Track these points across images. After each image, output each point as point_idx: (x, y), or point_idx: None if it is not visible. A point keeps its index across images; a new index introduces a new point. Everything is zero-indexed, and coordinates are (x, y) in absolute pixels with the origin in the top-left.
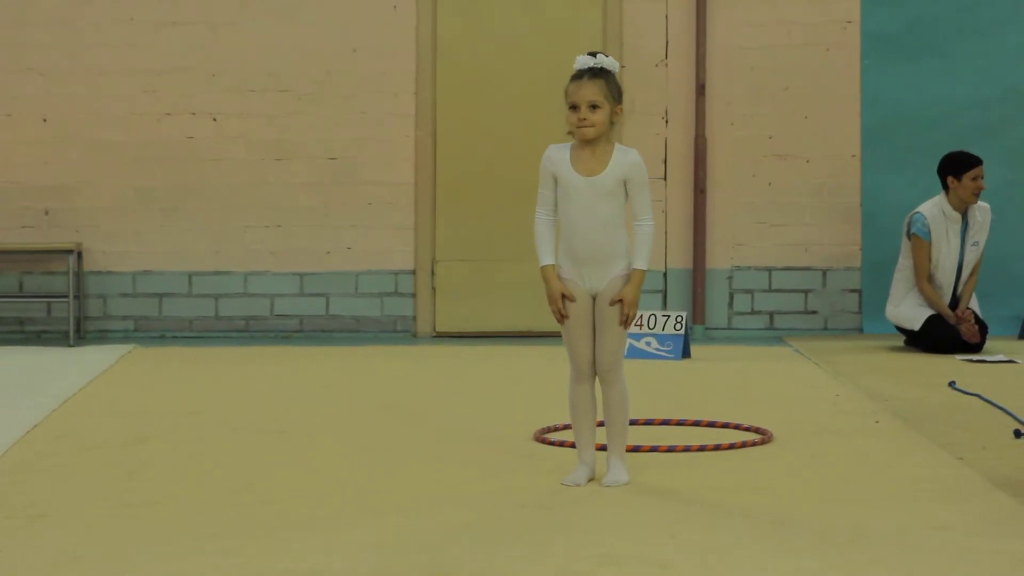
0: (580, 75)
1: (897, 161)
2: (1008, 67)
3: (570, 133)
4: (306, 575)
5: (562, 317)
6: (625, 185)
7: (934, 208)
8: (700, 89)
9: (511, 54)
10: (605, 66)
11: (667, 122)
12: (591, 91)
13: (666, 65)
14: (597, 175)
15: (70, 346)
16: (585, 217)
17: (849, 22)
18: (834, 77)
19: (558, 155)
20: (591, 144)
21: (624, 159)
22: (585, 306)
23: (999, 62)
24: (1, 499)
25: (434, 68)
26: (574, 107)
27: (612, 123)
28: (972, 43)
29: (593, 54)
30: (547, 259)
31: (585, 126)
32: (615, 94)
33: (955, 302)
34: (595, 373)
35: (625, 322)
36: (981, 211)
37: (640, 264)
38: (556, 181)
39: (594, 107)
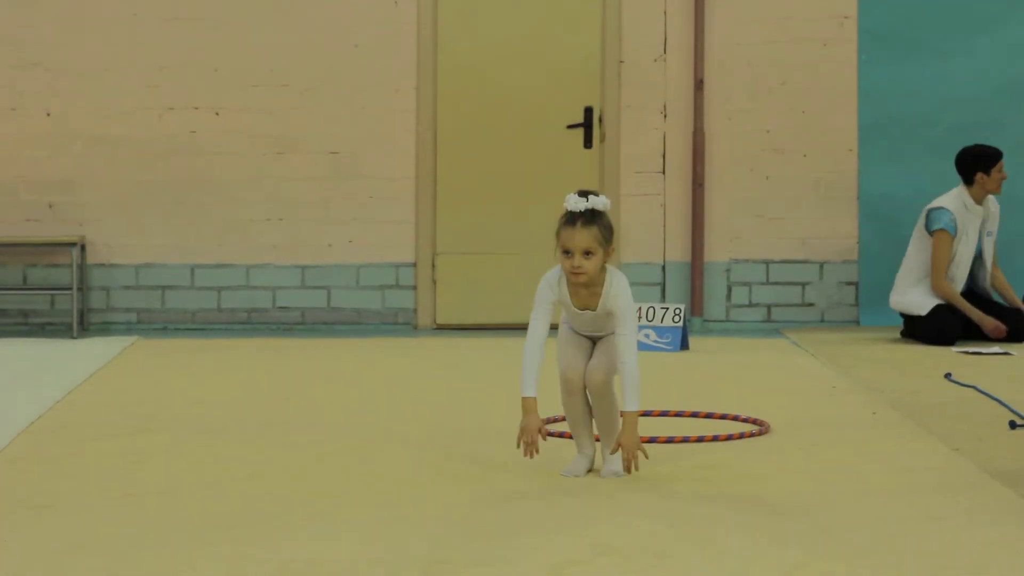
0: (573, 220)
1: (894, 155)
2: (1005, 63)
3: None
4: (307, 565)
5: (528, 451)
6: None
7: (956, 202)
8: (698, 84)
9: (511, 49)
10: (597, 208)
11: (665, 117)
12: (585, 239)
13: (664, 60)
14: (592, 309)
15: (73, 338)
16: (587, 329)
17: (846, 17)
18: (831, 72)
19: (558, 287)
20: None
21: (610, 290)
22: (583, 340)
23: (996, 58)
24: (6, 489)
25: (435, 63)
26: (567, 252)
27: (604, 264)
28: (969, 39)
29: (584, 195)
30: (530, 391)
31: (579, 273)
32: (608, 236)
33: (973, 298)
34: (584, 386)
35: (628, 468)
36: (992, 201)
37: (631, 407)
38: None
39: (588, 253)
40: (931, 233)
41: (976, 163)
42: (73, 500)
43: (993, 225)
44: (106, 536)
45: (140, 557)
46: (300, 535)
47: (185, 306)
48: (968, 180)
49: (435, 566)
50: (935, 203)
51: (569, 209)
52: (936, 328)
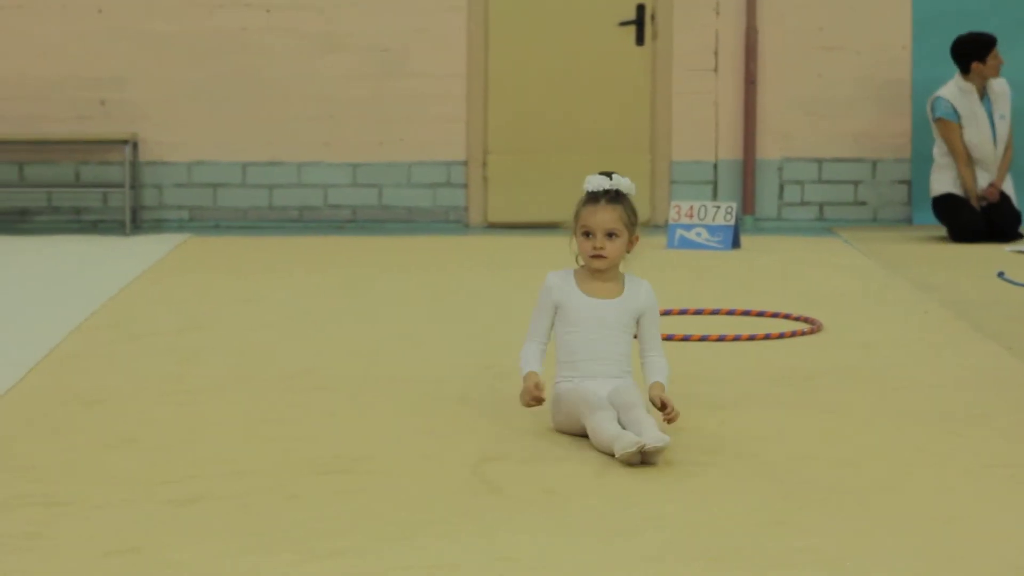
0: (596, 198)
1: (947, 53)
2: None
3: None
4: (356, 461)
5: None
6: (639, 320)
7: (952, 88)
8: None
9: None
10: (622, 189)
11: (718, 13)
12: (609, 217)
13: None
14: (610, 298)
15: (126, 235)
16: (594, 332)
17: None
18: None
19: (564, 283)
20: (601, 274)
21: (639, 289)
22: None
23: None
24: (60, 384)
25: None
26: (588, 233)
27: (627, 253)
28: None
29: (608, 174)
30: (531, 367)
31: (600, 255)
32: (633, 221)
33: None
34: None
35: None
36: (997, 82)
37: (659, 378)
38: (557, 310)
39: (611, 235)
40: (935, 123)
41: (970, 53)
42: (124, 396)
43: (1004, 107)
44: (156, 431)
45: (189, 451)
46: (348, 431)
47: (237, 204)
48: (964, 69)
49: (485, 463)
50: (935, 93)
51: (590, 189)
52: (960, 227)
